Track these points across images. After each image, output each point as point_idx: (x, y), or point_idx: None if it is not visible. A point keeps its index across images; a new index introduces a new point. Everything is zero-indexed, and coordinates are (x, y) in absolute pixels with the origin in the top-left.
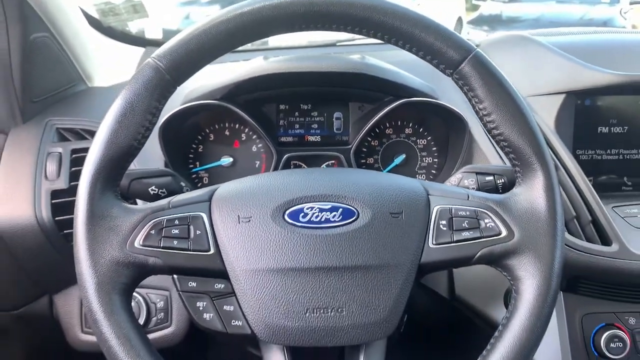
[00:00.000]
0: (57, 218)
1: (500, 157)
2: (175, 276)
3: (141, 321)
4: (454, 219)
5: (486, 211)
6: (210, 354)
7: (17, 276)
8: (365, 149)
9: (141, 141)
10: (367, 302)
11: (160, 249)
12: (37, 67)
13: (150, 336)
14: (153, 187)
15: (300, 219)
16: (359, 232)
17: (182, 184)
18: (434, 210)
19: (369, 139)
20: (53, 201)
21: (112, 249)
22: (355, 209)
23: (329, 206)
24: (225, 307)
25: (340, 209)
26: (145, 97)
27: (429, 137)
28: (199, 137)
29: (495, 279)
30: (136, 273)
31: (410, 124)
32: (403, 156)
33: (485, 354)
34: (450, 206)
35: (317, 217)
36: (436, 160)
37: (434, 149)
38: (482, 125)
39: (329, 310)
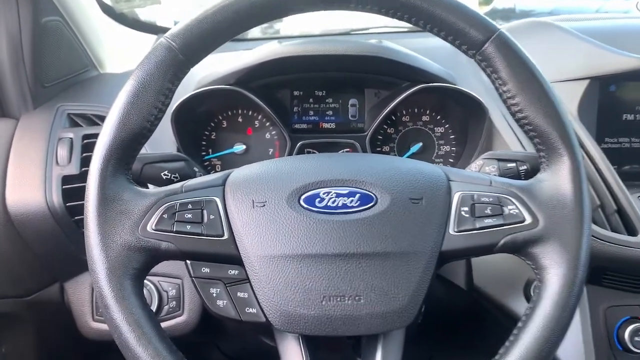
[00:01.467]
0: (68, 204)
1: (522, 144)
2: (188, 262)
3: (152, 309)
4: (476, 205)
5: (510, 197)
6: (223, 343)
7: (29, 263)
8: (381, 137)
9: (154, 123)
10: (386, 291)
11: (173, 234)
12: (49, 52)
13: (162, 325)
14: (166, 172)
15: (317, 204)
16: (378, 218)
17: (195, 169)
18: (455, 196)
19: (385, 126)
20: (64, 187)
21: (124, 233)
22: (374, 194)
23: (347, 191)
24: (239, 293)
25: (358, 194)
26: (158, 78)
27: (447, 125)
28: (212, 124)
29: (515, 269)
30: (148, 258)
31: (428, 111)
32: (420, 144)
33: (509, 345)
34: (472, 192)
35: (334, 202)
36: (454, 148)
37: (452, 136)
38: (506, 108)
39: (347, 298)
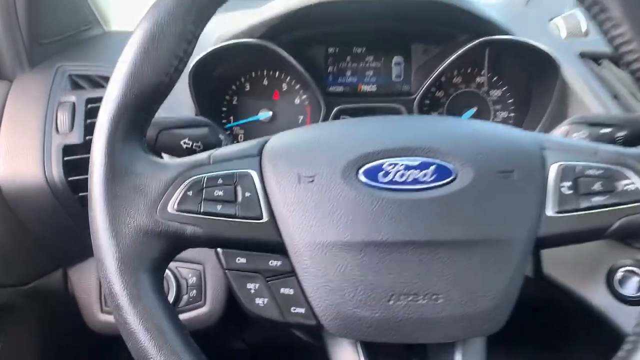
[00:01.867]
0: (70, 178)
1: (607, 108)
2: (220, 251)
3: (170, 300)
4: (580, 180)
5: (624, 169)
6: (248, 334)
7: (26, 246)
8: (428, 101)
9: (173, 77)
10: (471, 288)
11: (200, 215)
12: (46, 4)
13: (181, 317)
14: (186, 140)
15: (381, 178)
16: (459, 197)
17: (221, 136)
18: (553, 169)
19: (433, 89)
20: (65, 158)
21: (139, 214)
22: (452, 166)
23: (418, 162)
24: (282, 290)
25: (433, 166)
26: (179, 18)
27: (505, 87)
28: (233, 88)
29: (595, 252)
30: (169, 246)
31: (483, 72)
32: (473, 110)
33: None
34: (574, 163)
35: (402, 176)
36: (513, 114)
37: (511, 101)
38: (619, 57)
39: (420, 297)
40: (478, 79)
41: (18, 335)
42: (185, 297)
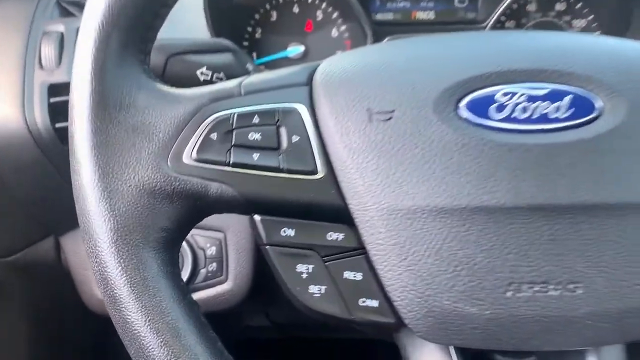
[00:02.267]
0: (57, 125)
1: None
2: (257, 218)
3: (186, 276)
4: None
5: None
6: (273, 311)
7: (7, 209)
8: None
9: None
10: (624, 273)
11: (228, 168)
12: None
13: (198, 296)
14: (204, 70)
15: (492, 113)
16: (606, 141)
17: (249, 66)
18: None
19: (503, 18)
20: (51, 100)
21: (142, 167)
22: (596, 96)
23: (546, 90)
24: (346, 274)
25: (569, 97)
26: None
27: (592, 16)
28: (257, 17)
29: None
30: (186, 211)
31: None
32: None
33: None
34: None
35: (523, 110)
36: None
37: (598, 32)
38: None
39: (552, 286)
40: (558, 6)
41: (6, 315)
42: (203, 272)
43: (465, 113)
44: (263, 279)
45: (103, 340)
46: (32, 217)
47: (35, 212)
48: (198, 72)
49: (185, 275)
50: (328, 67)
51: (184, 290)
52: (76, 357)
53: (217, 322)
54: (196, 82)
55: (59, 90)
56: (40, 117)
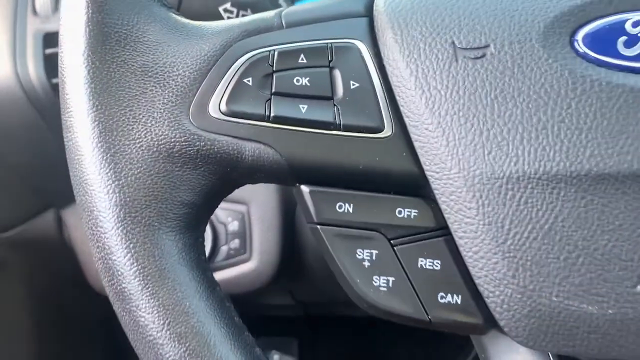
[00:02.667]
0: (54, 80)
1: None
2: (305, 190)
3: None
4: None
5: None
6: (298, 289)
7: (2, 178)
8: None
9: None
10: None
11: (269, 123)
12: None
13: (218, 276)
14: (228, 6)
15: (621, 48)
16: None
17: (282, 2)
18: None
19: None
20: (47, 51)
21: (155, 121)
22: None
23: None
24: (421, 261)
25: None
26: None
27: None
28: None
29: None
30: (214, 180)
31: None
32: None
33: None
34: None
35: None
36: None
37: None
38: None
39: None
40: None
41: (7, 294)
42: (223, 249)
43: (583, 48)
44: (290, 256)
45: (109, 317)
46: (28, 187)
47: (32, 182)
48: (221, 9)
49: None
50: None
51: (212, 282)
52: (81, 336)
53: (235, 300)
54: (217, 19)
55: (56, 39)
56: (34, 71)
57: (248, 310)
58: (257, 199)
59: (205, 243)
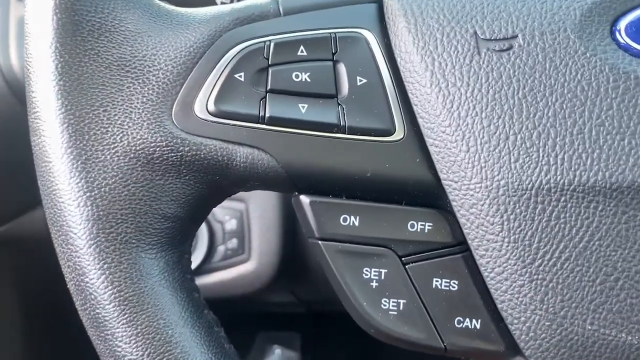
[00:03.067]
0: None
1: None
2: (305, 201)
3: (201, 254)
4: None
5: None
6: (300, 288)
7: None
8: None
9: None
10: None
11: (264, 126)
12: None
13: (215, 277)
14: None
15: None
16: None
17: None
18: None
19: None
20: None
21: (133, 123)
22: None
23: None
24: (436, 282)
25: None
26: None
27: None
28: None
29: None
30: (201, 189)
31: None
32: None
33: None
34: None
35: None
36: None
37: None
38: None
39: None
40: None
41: None
42: (220, 249)
43: (626, 39)
44: (292, 257)
45: None
46: (15, 183)
47: (19, 178)
48: None
49: (200, 254)
50: None
51: (199, 306)
52: (73, 335)
53: (235, 298)
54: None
55: None
56: (17, 60)
57: (249, 307)
58: (256, 197)
59: (201, 243)
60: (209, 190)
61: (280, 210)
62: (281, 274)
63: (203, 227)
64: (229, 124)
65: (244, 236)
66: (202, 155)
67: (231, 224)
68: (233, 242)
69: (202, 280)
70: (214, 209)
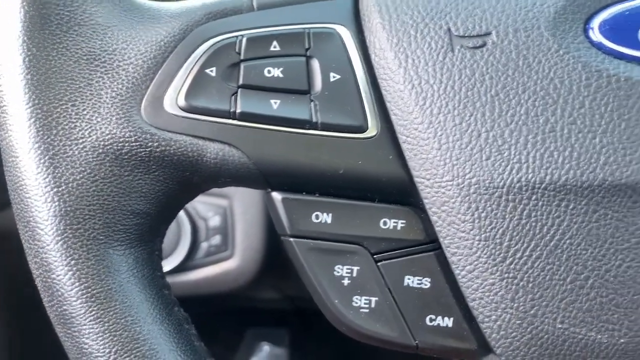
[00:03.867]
0: None
1: None
2: (277, 197)
3: (183, 251)
4: None
5: None
6: (285, 284)
7: None
8: None
9: None
10: None
11: (235, 121)
12: None
13: (199, 274)
14: None
15: None
16: None
17: None
18: None
19: None
20: None
21: (101, 117)
22: None
23: None
24: (408, 279)
25: None
26: None
27: None
28: None
29: None
30: (171, 186)
31: None
32: None
33: None
34: None
35: None
36: None
37: None
38: None
39: None
40: None
41: None
42: (204, 246)
43: (599, 37)
44: (276, 253)
45: None
46: None
47: None
48: None
49: (182, 251)
50: None
51: (169, 303)
52: (53, 330)
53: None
54: None
55: None
56: None
57: (235, 303)
58: (240, 193)
59: (184, 239)
60: (179, 187)
61: (264, 207)
62: (265, 270)
63: (186, 224)
64: (199, 120)
65: (228, 233)
66: (171, 151)
67: (215, 221)
68: (216, 239)
69: (185, 277)
70: (198, 205)
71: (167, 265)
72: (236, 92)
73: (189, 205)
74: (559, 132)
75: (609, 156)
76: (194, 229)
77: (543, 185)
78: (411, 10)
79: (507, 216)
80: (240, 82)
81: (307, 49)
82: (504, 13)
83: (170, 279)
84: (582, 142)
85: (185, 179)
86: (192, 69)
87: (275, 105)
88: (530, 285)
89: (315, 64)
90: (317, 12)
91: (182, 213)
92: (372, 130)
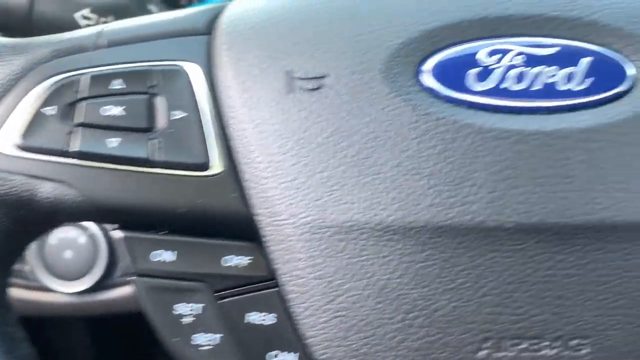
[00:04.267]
0: None
1: None
2: (120, 236)
3: (99, 272)
4: None
5: None
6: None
7: None
8: None
9: None
10: None
11: (70, 160)
12: None
13: (116, 294)
14: (87, 12)
15: (472, 82)
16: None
17: (152, 8)
18: None
19: None
20: None
21: None
22: (626, 59)
23: (553, 49)
24: (250, 316)
25: (588, 60)
26: None
27: None
28: None
29: None
30: (7, 222)
31: None
32: None
33: None
34: None
35: (519, 78)
36: None
37: None
38: None
39: (546, 343)
40: None
41: None
42: (121, 266)
43: (430, 81)
44: None
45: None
46: None
47: None
48: (78, 15)
49: (99, 271)
50: (236, 11)
51: (12, 340)
52: None
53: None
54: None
55: None
56: None
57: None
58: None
59: (100, 259)
60: (16, 226)
61: None
62: None
63: (102, 245)
64: (34, 159)
65: None
66: (3, 191)
67: None
68: None
69: (105, 296)
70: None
71: (83, 284)
72: (73, 130)
73: (105, 226)
74: (387, 173)
75: (434, 198)
76: (110, 249)
77: (371, 226)
78: (258, 49)
79: (338, 255)
80: (79, 120)
81: (151, 86)
82: (341, 55)
83: (88, 298)
84: (409, 183)
85: (21, 218)
86: (31, 109)
87: (112, 143)
88: (361, 323)
89: (161, 102)
90: (168, 49)
91: (98, 234)
92: (216, 168)
